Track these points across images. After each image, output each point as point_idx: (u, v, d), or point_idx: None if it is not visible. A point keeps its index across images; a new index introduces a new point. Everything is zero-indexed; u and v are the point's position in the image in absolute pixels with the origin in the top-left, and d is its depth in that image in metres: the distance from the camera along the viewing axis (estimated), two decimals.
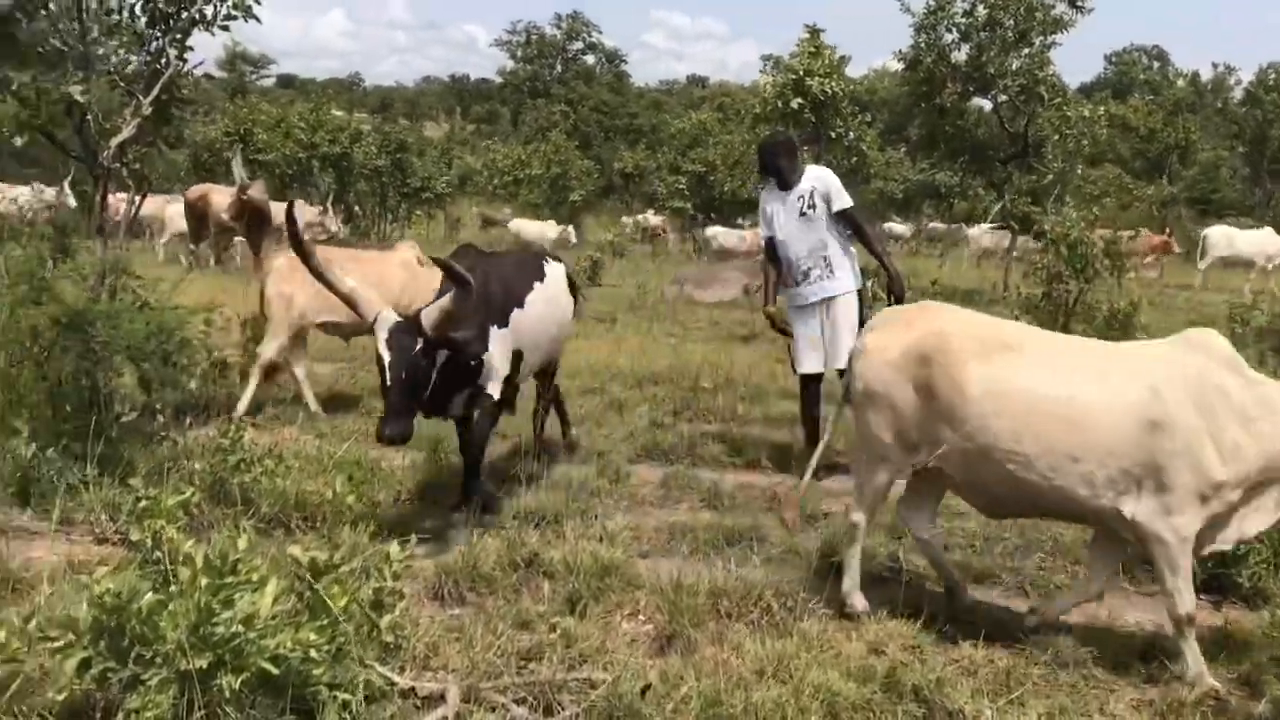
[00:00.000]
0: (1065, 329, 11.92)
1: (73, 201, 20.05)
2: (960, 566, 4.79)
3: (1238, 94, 36.93)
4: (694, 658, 3.79)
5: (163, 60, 5.50)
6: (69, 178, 17.68)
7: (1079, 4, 16.10)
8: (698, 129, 28.78)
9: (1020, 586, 4.72)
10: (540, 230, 25.09)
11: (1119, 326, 11.25)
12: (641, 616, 4.18)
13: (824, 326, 6.37)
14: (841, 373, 6.09)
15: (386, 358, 4.46)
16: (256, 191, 12.01)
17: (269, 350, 7.33)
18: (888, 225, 33.75)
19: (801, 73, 10.64)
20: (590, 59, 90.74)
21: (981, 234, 23.10)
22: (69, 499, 4.78)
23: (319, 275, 4.57)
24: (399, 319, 4.52)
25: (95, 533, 4.67)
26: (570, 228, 26.14)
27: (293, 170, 25.94)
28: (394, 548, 3.68)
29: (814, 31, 10.83)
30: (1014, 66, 16.57)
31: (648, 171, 30.47)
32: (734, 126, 31.36)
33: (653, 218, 30.66)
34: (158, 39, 5.52)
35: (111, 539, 4.60)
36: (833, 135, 11.02)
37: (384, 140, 26.73)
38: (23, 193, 18.65)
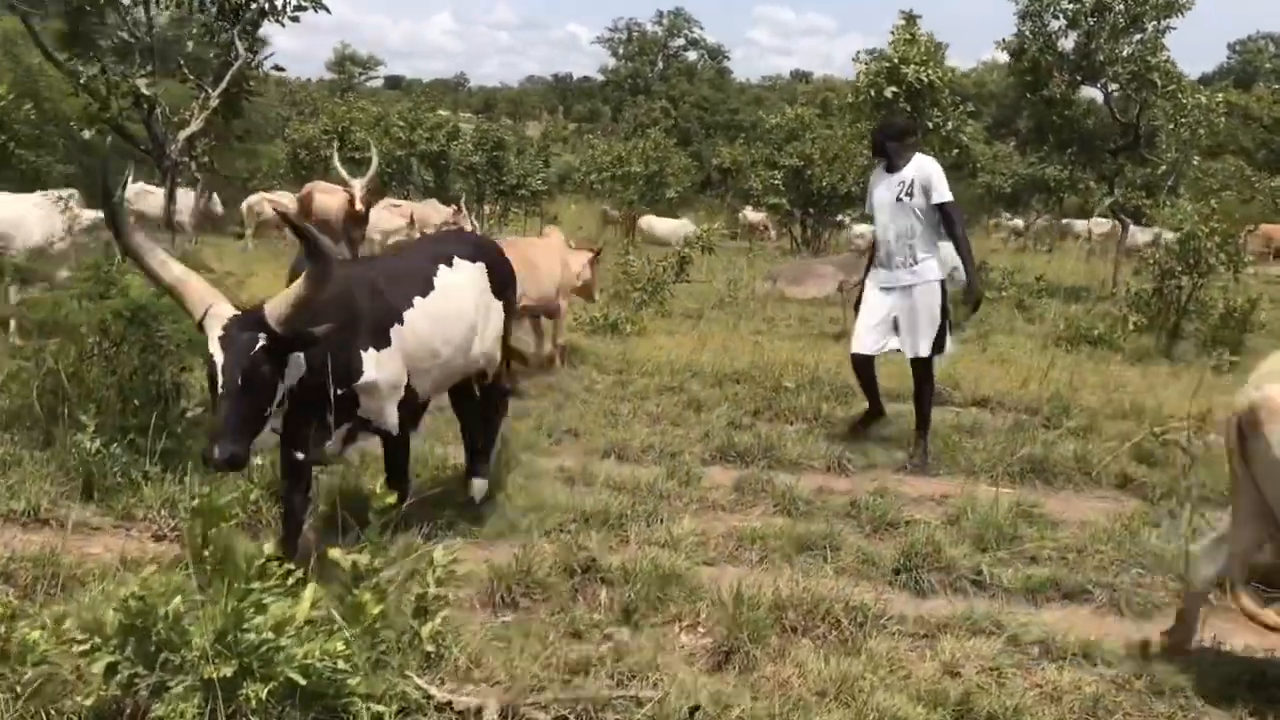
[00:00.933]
0: (1177, 327, 11.34)
1: (219, 208, 20.52)
2: (1051, 581, 4.47)
3: None
4: (752, 676, 3.56)
5: (231, 53, 5.47)
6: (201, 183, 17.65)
7: None
8: (795, 123, 28.27)
9: (1114, 603, 4.36)
10: (672, 228, 24.80)
11: (1235, 325, 10.63)
12: (701, 629, 3.97)
13: (899, 313, 6.47)
14: (918, 361, 6.42)
15: (219, 359, 3.55)
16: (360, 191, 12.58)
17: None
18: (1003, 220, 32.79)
19: (896, 60, 10.22)
20: (692, 55, 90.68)
21: (1091, 228, 22.22)
22: (131, 495, 4.77)
23: (137, 260, 3.82)
24: (237, 312, 3.64)
25: (154, 530, 4.64)
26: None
27: (391, 168, 26.30)
28: (438, 552, 3.55)
29: (909, 18, 10.39)
30: (1125, 53, 15.81)
31: (744, 167, 30.07)
32: (834, 121, 30.82)
33: (752, 214, 30.30)
34: (226, 30, 5.47)
35: (169, 536, 4.57)
36: (930, 125, 10.57)
37: (481, 138, 26.91)
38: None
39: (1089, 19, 15.81)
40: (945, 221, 6.40)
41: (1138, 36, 15.75)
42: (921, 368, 6.52)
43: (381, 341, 4.25)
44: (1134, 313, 11.48)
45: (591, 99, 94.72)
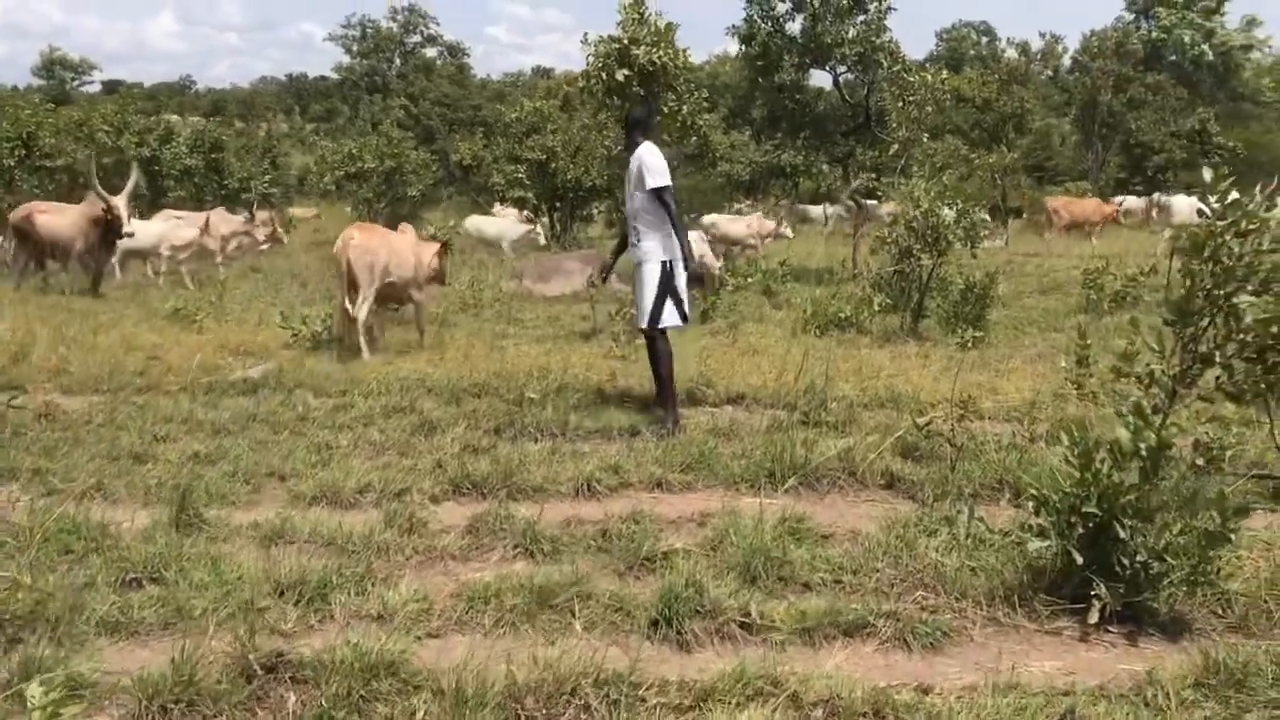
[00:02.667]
0: (920, 306, 11.34)
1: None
2: (829, 615, 3.89)
3: (1066, 62, 37.85)
4: None
5: None
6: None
7: None
8: (535, 116, 27.55)
9: (900, 636, 3.83)
10: (501, 229, 23.26)
11: (976, 301, 10.69)
12: None
13: (635, 286, 7.06)
14: (644, 331, 6.97)
15: None
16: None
17: (362, 312, 9.20)
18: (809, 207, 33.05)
19: (626, 41, 9.65)
20: (431, 52, 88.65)
21: (826, 211, 22.66)
22: None
23: None
24: None
25: None
26: (537, 226, 24.41)
27: (101, 174, 23.83)
28: (34, 688, 2.58)
29: None
30: (850, 35, 15.97)
31: (485, 162, 29.12)
32: (576, 114, 30.34)
33: (504, 210, 29.42)
34: None
35: None
36: (665, 110, 10.08)
37: (196, 140, 24.78)
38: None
39: (814, 2, 15.88)
40: (661, 205, 6.80)
41: (861, 18, 15.94)
42: (648, 339, 7.04)
43: None
44: (878, 293, 11.41)
45: (330, 99, 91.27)
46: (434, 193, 33.94)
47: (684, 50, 10.20)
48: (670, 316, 6.93)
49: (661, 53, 9.65)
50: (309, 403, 7.33)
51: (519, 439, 6.54)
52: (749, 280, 14.66)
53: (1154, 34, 45.08)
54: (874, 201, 23.32)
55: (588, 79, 9.85)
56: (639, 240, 6.92)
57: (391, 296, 9.83)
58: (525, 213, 25.50)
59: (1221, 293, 4.57)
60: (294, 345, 9.51)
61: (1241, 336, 4.51)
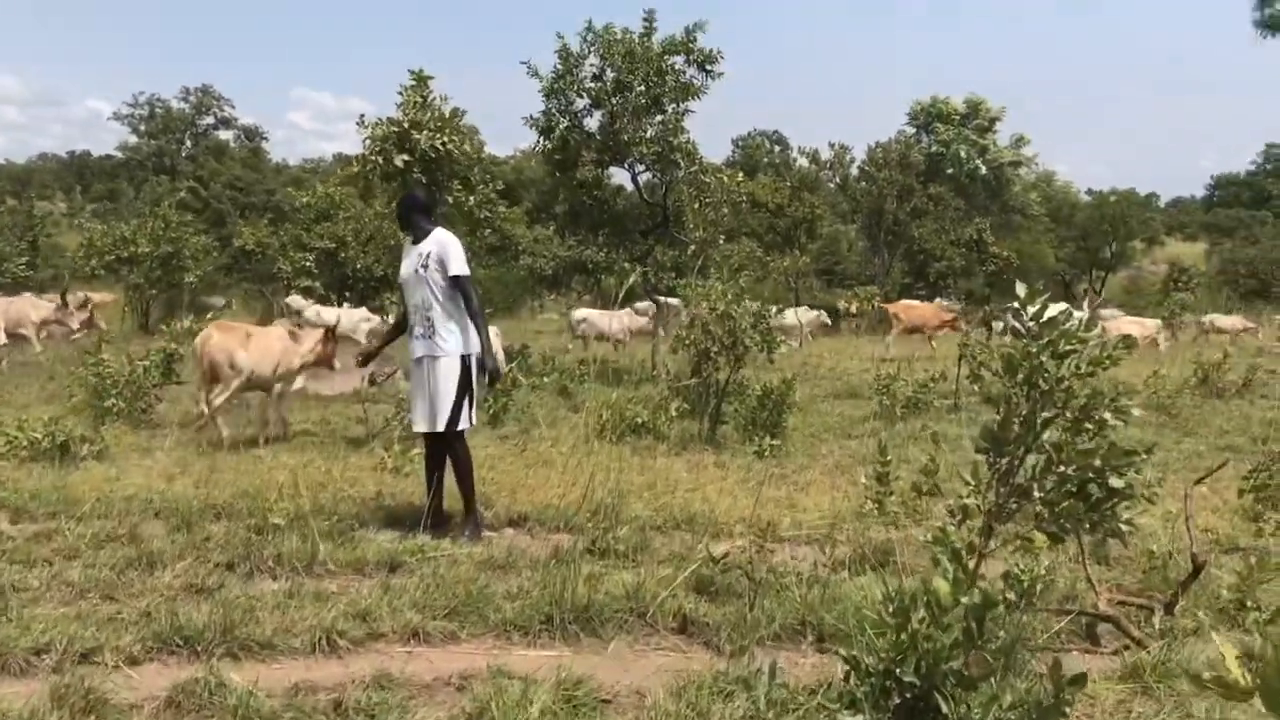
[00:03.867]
0: (718, 411, 10.91)
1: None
2: None
3: (854, 171, 39.58)
4: None
5: None
6: None
7: (709, 69, 15.59)
8: (325, 202, 26.38)
9: None
10: (354, 321, 19.82)
11: (773, 406, 10.33)
12: None
13: (427, 384, 6.46)
14: (443, 436, 6.43)
15: None
16: None
17: (218, 401, 9.73)
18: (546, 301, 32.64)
19: (406, 125, 8.91)
20: (226, 135, 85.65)
21: (632, 310, 22.37)
22: None
23: None
24: None
25: None
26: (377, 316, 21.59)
27: None
28: None
29: (421, 78, 9.09)
30: (648, 134, 15.79)
31: (271, 249, 27.63)
32: (375, 201, 29.34)
33: (299, 300, 27.91)
34: None
35: None
36: (451, 200, 9.36)
37: None
38: None
39: (611, 99, 15.65)
40: (461, 295, 6.41)
41: (659, 118, 15.80)
42: (446, 443, 6.50)
43: None
44: (675, 398, 10.92)
45: (115, 178, 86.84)
46: (217, 279, 32.08)
47: (470, 137, 9.55)
48: (468, 418, 6.52)
49: (445, 139, 8.97)
50: (2, 530, 6.10)
51: (255, 576, 5.55)
52: (545, 380, 14.00)
53: (933, 147, 47.88)
54: (675, 300, 23.24)
55: (363, 163, 9.05)
56: (432, 334, 6.41)
57: (256, 388, 10.34)
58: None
59: (1038, 420, 4.16)
60: (6, 455, 8.16)
61: (1061, 469, 4.09)
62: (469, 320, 6.45)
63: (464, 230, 14.38)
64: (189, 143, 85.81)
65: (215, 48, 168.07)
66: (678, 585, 5.23)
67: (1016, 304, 4.21)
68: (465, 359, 6.43)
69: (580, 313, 22.32)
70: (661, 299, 18.75)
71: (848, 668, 3.60)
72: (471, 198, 10.45)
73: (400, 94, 9.09)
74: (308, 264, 24.20)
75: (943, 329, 23.66)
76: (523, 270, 35.58)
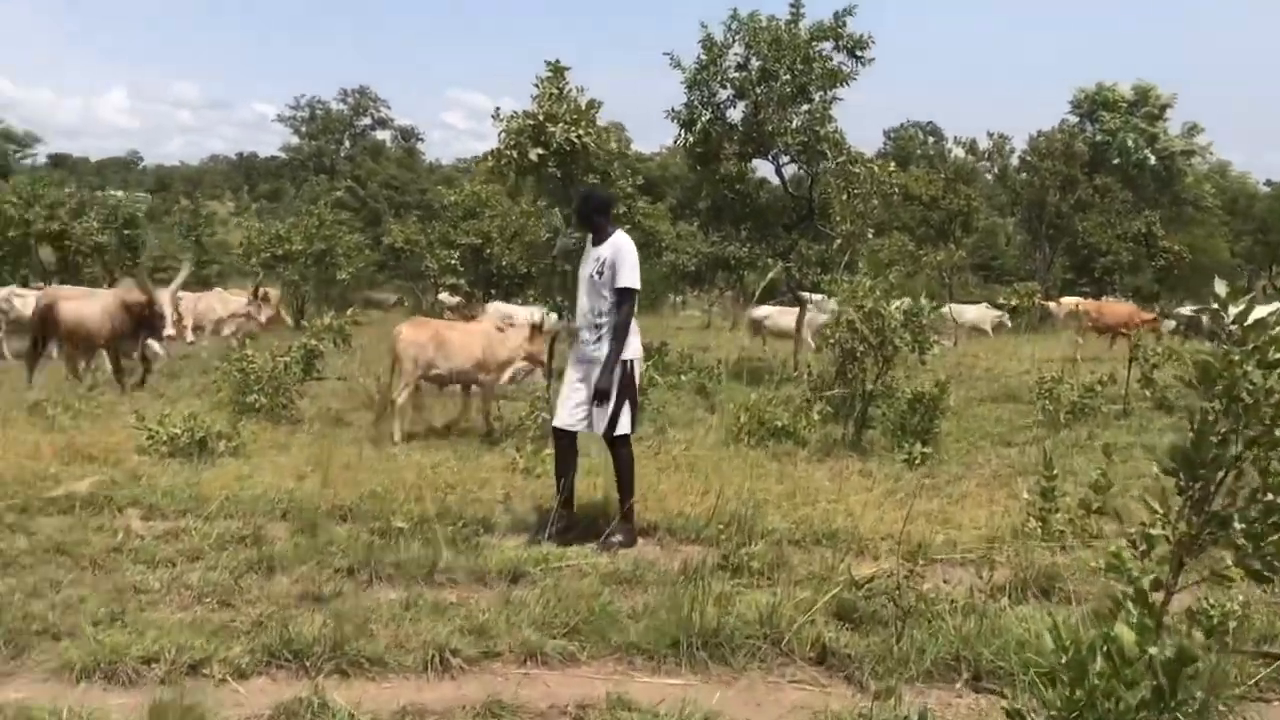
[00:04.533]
0: (864, 415, 10.33)
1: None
2: None
3: (1014, 162, 37.90)
4: None
5: None
6: None
7: (859, 54, 14.93)
8: (472, 200, 26.63)
9: None
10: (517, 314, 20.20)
11: (924, 412, 9.71)
12: None
13: (588, 389, 6.32)
14: (609, 439, 6.32)
15: None
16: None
17: (401, 397, 10.07)
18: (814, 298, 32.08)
19: (541, 118, 8.66)
20: (383, 135, 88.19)
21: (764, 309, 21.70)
22: None
23: None
24: None
25: None
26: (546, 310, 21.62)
27: (2, 251, 22.52)
28: None
29: (558, 69, 8.86)
30: (794, 124, 15.23)
31: (420, 246, 28.07)
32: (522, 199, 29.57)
33: (449, 297, 28.38)
34: None
35: None
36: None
37: (109, 215, 23.51)
38: None
39: (756, 88, 15.15)
40: (622, 305, 6.25)
41: (805, 107, 15.22)
42: (612, 447, 6.38)
43: None
44: (818, 399, 10.40)
45: (280, 178, 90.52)
46: (370, 276, 32.86)
47: (614, 133, 9.25)
48: (629, 422, 6.39)
49: (581, 131, 8.68)
50: (132, 528, 6.08)
51: (374, 583, 5.36)
52: (682, 378, 13.64)
53: (1098, 137, 45.56)
54: (820, 296, 22.53)
55: (497, 158, 8.85)
56: (600, 339, 6.30)
57: (456, 381, 10.66)
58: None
59: (1238, 438, 3.56)
60: (148, 450, 8.25)
61: (1270, 497, 3.49)
62: (631, 324, 6.38)
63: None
64: (347, 143, 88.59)
65: (374, 49, 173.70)
66: (817, 610, 4.78)
67: (1212, 303, 3.62)
68: (627, 364, 6.32)
69: (762, 310, 21.67)
70: (805, 295, 18.18)
71: None
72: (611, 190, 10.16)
73: (536, 86, 8.88)
74: (453, 261, 24.46)
75: (1138, 328, 22.21)
76: (665, 267, 35.33)
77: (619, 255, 6.26)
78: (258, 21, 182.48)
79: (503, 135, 8.94)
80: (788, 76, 14.94)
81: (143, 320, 12.64)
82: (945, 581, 5.61)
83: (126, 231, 23.62)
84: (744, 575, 5.50)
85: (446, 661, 4.35)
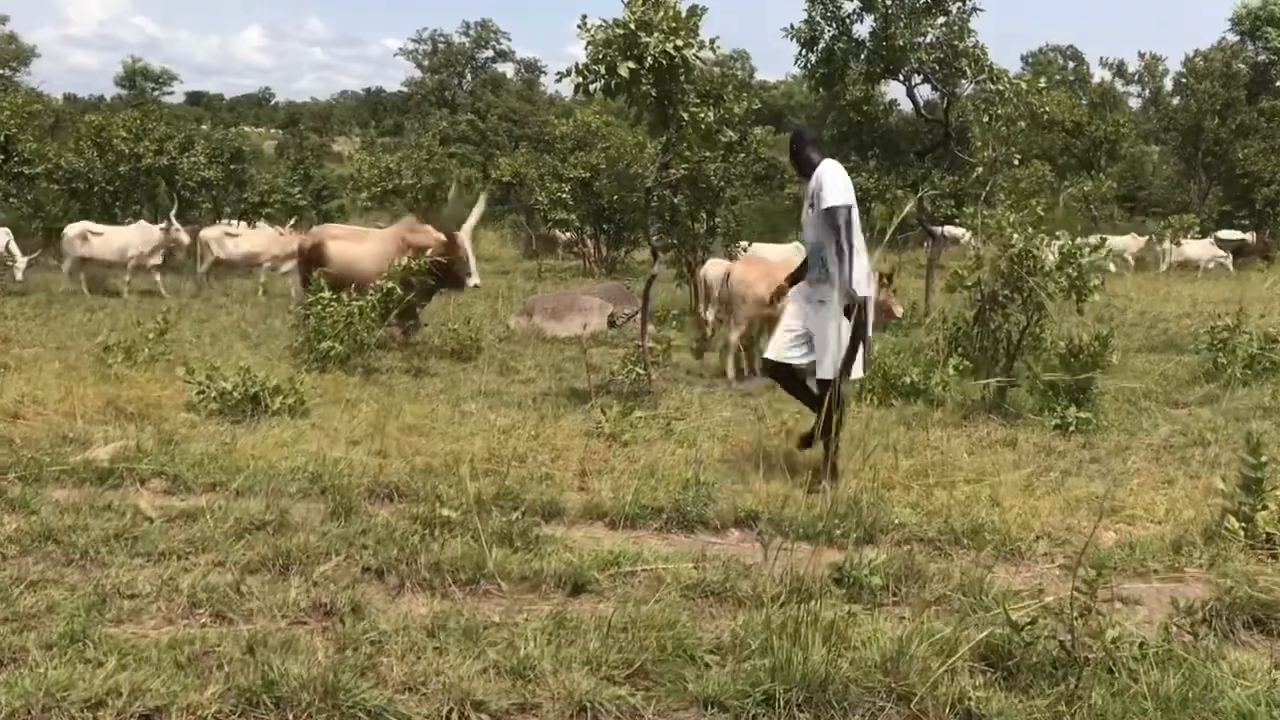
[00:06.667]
0: (1009, 370, 8.97)
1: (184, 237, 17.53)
2: None
3: (1167, 85, 34.82)
4: None
5: None
6: None
7: None
8: (582, 130, 25.47)
9: None
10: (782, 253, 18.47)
11: (1081, 368, 8.31)
12: None
13: (812, 328, 6.20)
14: (820, 382, 6.18)
15: None
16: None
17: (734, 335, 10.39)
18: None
19: (633, 27, 7.41)
20: (505, 69, 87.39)
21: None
22: None
23: None
24: None
25: None
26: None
27: (113, 186, 22.39)
28: None
29: None
30: (929, 39, 13.61)
31: (529, 179, 27.11)
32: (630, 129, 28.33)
33: (560, 234, 27.59)
34: None
35: None
36: (686, 118, 7.86)
37: (215, 149, 23.16)
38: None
39: (886, 1, 13.57)
40: (834, 228, 5.96)
41: (941, 20, 13.58)
42: (823, 389, 6.12)
43: None
44: (954, 353, 9.07)
45: (406, 113, 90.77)
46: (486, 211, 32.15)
47: (713, 42, 7.96)
48: (862, 364, 6.34)
49: (680, 42, 7.44)
50: (141, 508, 5.23)
51: (405, 590, 4.38)
52: None
53: (1260, 56, 41.72)
54: (956, 229, 20.83)
55: (582, 74, 7.65)
56: (826, 274, 6.10)
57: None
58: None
59: None
60: (197, 407, 7.47)
61: None
62: (862, 256, 6.08)
63: (703, 152, 12.96)
64: (469, 76, 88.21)
65: None
66: (960, 656, 3.62)
67: None
68: (861, 301, 6.04)
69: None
70: (938, 229, 16.63)
71: None
72: (710, 114, 8.87)
73: None
74: (563, 195, 23.44)
75: None
76: (788, 199, 33.71)
77: (820, 180, 6.05)
78: None
79: (588, 48, 7.76)
80: None
81: (436, 266, 11.02)
82: (1123, 602, 4.39)
83: (234, 166, 23.24)
84: (863, 592, 4.35)
85: (468, 718, 3.35)
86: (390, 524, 5.03)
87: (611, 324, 12.82)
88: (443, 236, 11.19)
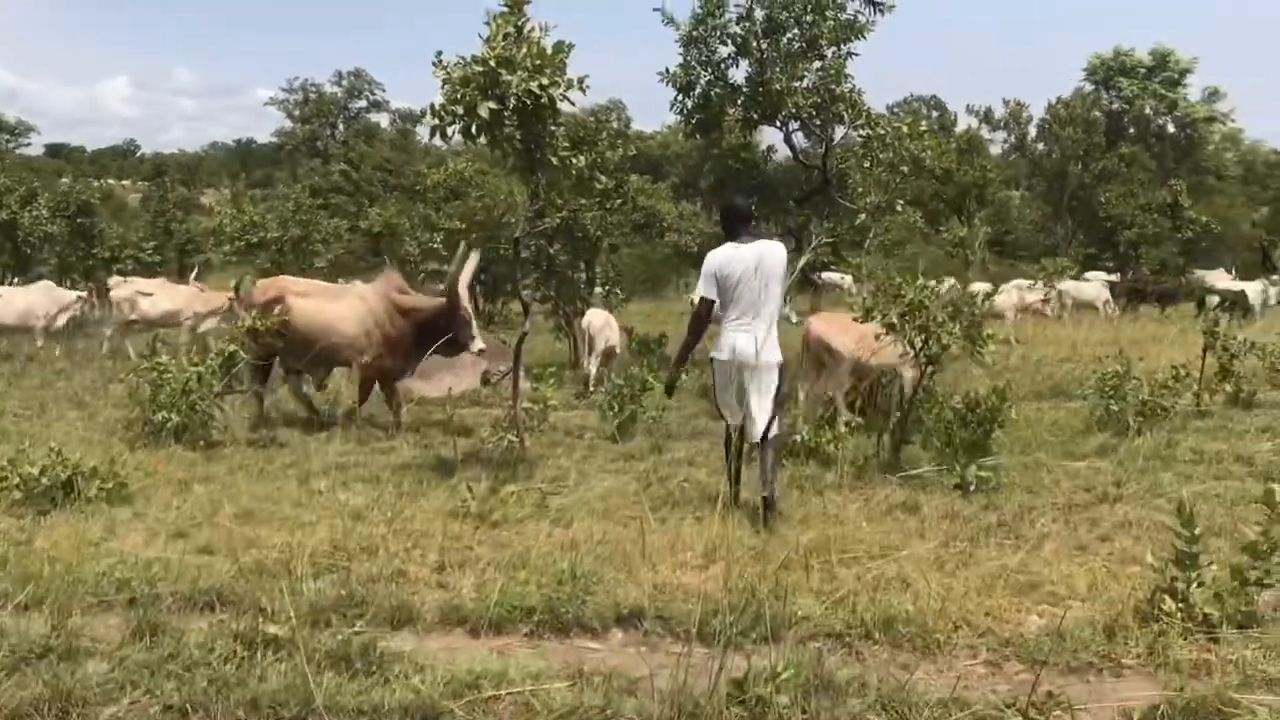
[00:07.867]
0: (903, 426, 8.49)
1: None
2: None
3: (1031, 131, 35.83)
4: None
5: None
6: None
7: (878, 1, 13.00)
8: (455, 179, 24.65)
9: None
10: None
11: (979, 424, 7.89)
12: None
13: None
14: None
15: None
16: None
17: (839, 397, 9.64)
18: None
19: (494, 63, 6.71)
20: (379, 118, 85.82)
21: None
22: None
23: None
24: None
25: None
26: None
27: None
28: None
29: (516, 4, 6.85)
30: (805, 84, 13.31)
31: (400, 230, 26.14)
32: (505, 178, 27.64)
33: (432, 287, 26.59)
34: None
35: None
36: (553, 162, 7.20)
37: (59, 203, 21.65)
38: None
39: (761, 43, 13.25)
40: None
41: (817, 64, 13.32)
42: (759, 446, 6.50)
43: None
44: (846, 408, 8.58)
45: (277, 164, 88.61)
46: (349, 263, 31.02)
47: (581, 81, 7.36)
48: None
49: (545, 80, 6.81)
50: None
51: None
52: (684, 376, 11.82)
53: (1114, 105, 43.49)
54: (835, 276, 20.71)
55: (439, 115, 6.94)
56: (765, 340, 6.30)
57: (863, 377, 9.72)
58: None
59: None
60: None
61: None
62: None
63: (578, 200, 12.42)
64: (341, 126, 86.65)
65: (374, 34, 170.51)
66: None
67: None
68: (779, 366, 6.55)
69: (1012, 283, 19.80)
70: (817, 276, 16.33)
71: None
72: (582, 159, 8.23)
73: (487, 24, 6.95)
74: (436, 245, 22.58)
75: None
76: (668, 248, 33.44)
77: (779, 257, 6.52)
78: (263, 5, 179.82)
79: (444, 87, 7.08)
80: (796, 30, 13.04)
81: (431, 330, 9.73)
82: (1062, 707, 3.82)
83: (80, 220, 21.74)
84: (768, 713, 3.69)
85: None
86: (205, 644, 4.18)
87: (485, 382, 12.07)
88: (454, 300, 9.82)
